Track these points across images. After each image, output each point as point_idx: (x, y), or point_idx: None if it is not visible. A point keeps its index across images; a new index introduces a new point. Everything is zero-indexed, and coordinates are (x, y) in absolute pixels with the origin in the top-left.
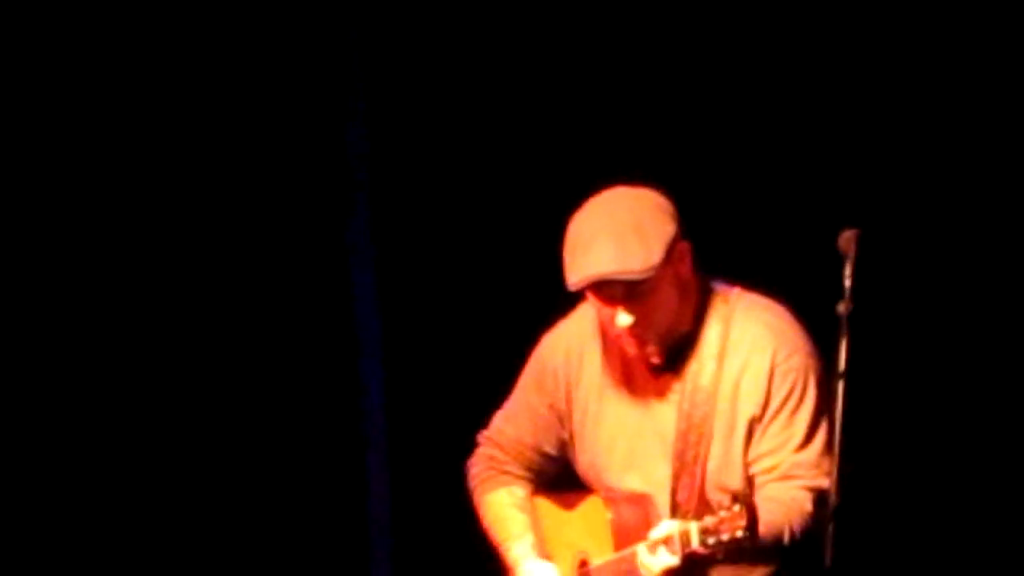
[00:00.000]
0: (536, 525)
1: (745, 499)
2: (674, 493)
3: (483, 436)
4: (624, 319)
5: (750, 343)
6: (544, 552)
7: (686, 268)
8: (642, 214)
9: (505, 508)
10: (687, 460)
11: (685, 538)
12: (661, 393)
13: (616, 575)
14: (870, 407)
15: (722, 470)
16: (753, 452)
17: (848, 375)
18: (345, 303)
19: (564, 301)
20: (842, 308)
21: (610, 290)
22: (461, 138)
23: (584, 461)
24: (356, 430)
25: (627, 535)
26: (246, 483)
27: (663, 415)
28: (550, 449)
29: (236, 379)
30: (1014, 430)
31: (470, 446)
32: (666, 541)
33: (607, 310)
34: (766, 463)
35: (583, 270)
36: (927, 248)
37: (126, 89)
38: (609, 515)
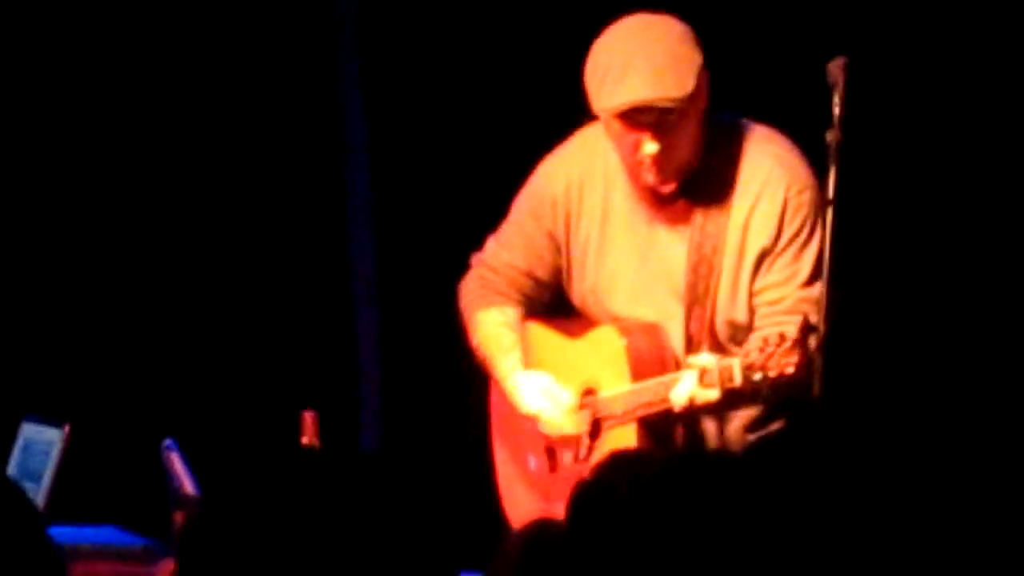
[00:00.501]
0: (531, 351)
1: (796, 335)
2: (687, 326)
3: (476, 258)
4: (651, 147)
5: (763, 176)
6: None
7: (704, 98)
8: (674, 41)
9: (496, 326)
10: (698, 293)
11: (727, 373)
12: (670, 224)
13: (634, 405)
14: (858, 236)
15: (730, 304)
16: (759, 284)
17: (837, 204)
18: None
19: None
20: (831, 136)
21: (641, 117)
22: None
23: (584, 289)
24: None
25: (643, 365)
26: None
27: (672, 247)
28: (545, 276)
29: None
30: (1008, 255)
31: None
32: (703, 374)
33: (631, 137)
34: (771, 295)
35: (619, 95)
36: (917, 77)
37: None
38: (624, 342)
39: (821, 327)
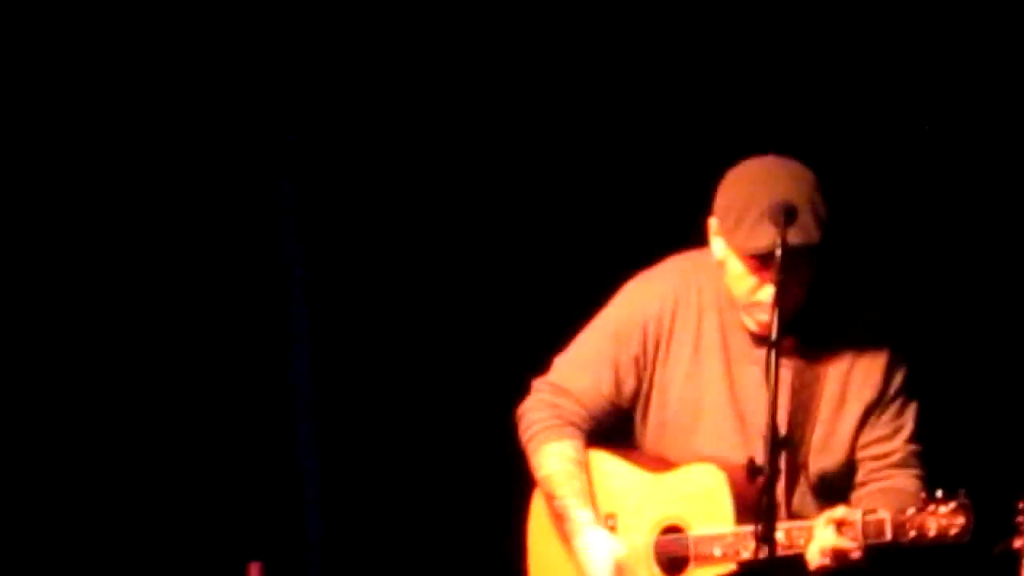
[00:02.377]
0: (601, 480)
1: (962, 495)
2: (776, 474)
3: (545, 383)
4: (770, 290)
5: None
6: (605, 513)
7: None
8: (811, 187)
9: (572, 464)
10: (793, 439)
11: (876, 527)
12: (764, 367)
13: (738, 548)
14: None
15: (823, 453)
16: (865, 438)
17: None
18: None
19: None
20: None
21: (776, 261)
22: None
23: (664, 418)
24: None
25: (746, 507)
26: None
27: (765, 390)
28: (622, 402)
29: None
30: None
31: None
32: (841, 525)
33: (754, 278)
34: (880, 449)
35: (765, 237)
36: None
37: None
38: (727, 480)
39: (767, 468)
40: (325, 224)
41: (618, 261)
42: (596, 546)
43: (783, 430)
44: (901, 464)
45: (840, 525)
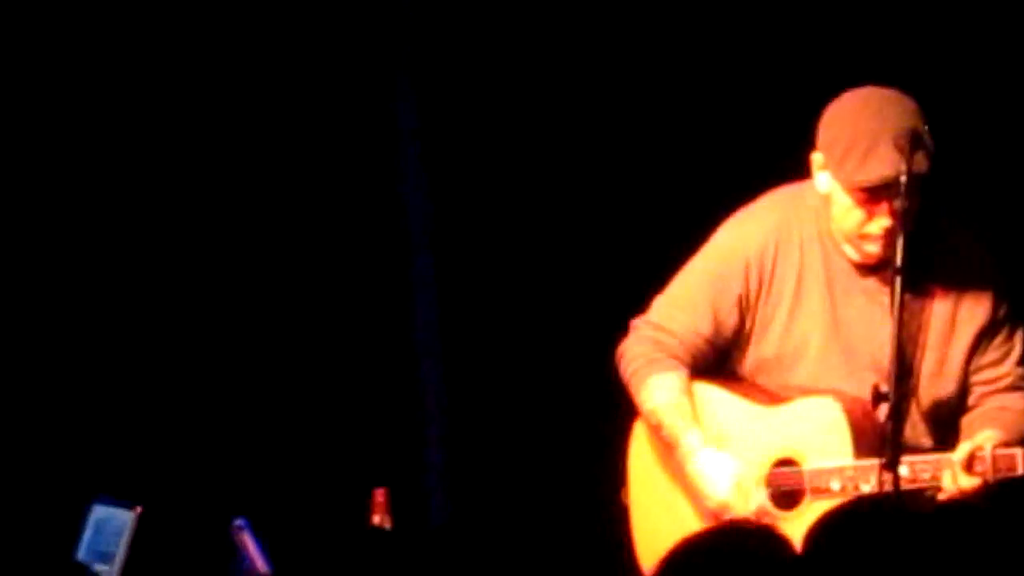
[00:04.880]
0: (711, 415)
1: None
2: (895, 403)
3: (644, 321)
4: (888, 220)
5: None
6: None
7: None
8: (915, 116)
9: (678, 393)
10: (903, 368)
11: (1007, 461)
12: (869, 296)
13: (859, 481)
14: None
15: (935, 381)
16: (976, 363)
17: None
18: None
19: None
20: (897, 204)
21: (885, 191)
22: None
23: (766, 354)
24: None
25: (865, 439)
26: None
27: (872, 319)
28: (723, 340)
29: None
30: None
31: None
32: (972, 461)
33: (864, 209)
34: (990, 374)
35: (876, 169)
36: None
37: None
38: (844, 413)
39: (891, 395)
40: (448, 161)
41: (714, 200)
42: (713, 465)
43: (889, 361)
44: (1011, 387)
45: (971, 461)
